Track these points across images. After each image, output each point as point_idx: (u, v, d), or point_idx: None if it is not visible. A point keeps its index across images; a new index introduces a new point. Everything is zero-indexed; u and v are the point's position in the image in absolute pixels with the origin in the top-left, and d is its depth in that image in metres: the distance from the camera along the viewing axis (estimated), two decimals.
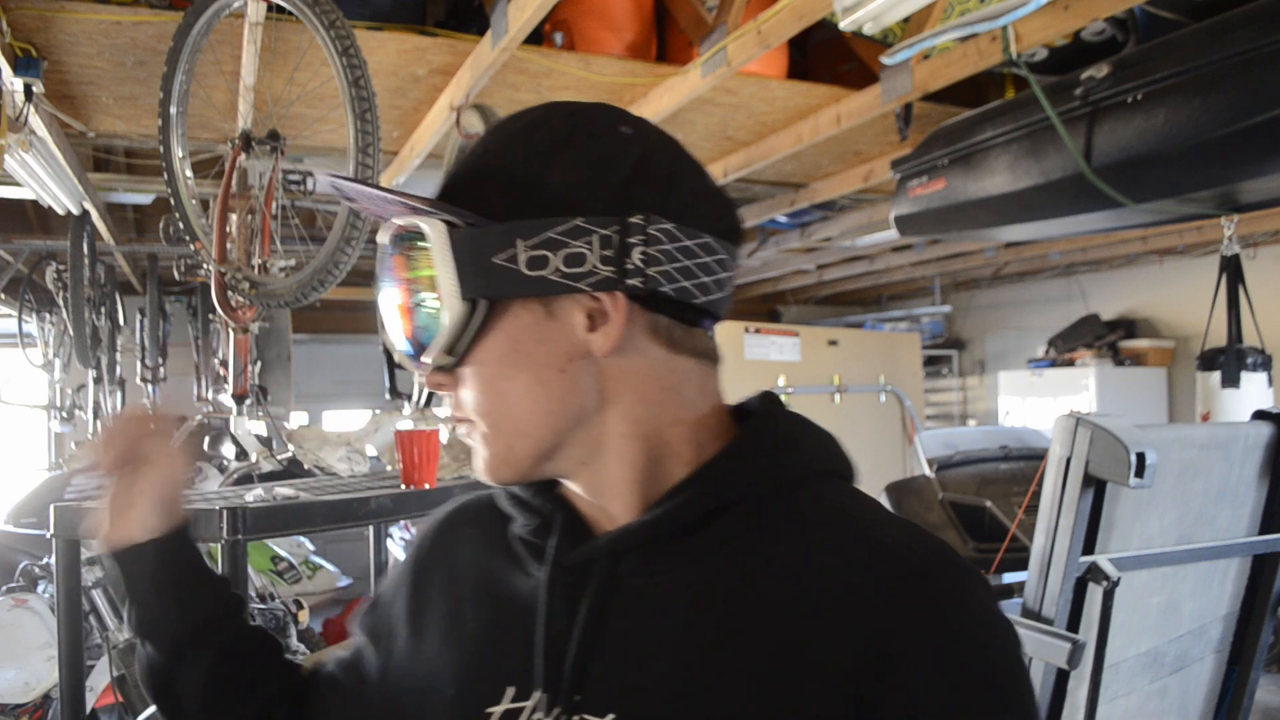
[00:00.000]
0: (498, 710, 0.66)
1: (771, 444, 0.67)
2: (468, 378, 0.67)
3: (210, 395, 5.04)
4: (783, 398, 0.73)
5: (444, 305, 0.64)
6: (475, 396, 0.67)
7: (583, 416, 0.66)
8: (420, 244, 0.65)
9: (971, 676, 0.58)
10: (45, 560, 3.08)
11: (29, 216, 4.86)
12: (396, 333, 0.69)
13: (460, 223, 0.64)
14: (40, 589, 3.01)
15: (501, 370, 0.65)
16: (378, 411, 2.48)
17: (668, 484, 0.67)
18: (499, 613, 0.71)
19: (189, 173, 2.65)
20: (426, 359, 0.66)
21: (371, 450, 2.19)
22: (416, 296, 0.66)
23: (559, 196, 0.63)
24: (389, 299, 0.69)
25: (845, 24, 2.17)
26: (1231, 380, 3.40)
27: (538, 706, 0.65)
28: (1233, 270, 3.41)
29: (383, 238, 0.68)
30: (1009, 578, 2.99)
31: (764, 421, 0.69)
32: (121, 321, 5.14)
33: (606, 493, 0.68)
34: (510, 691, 0.67)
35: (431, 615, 0.76)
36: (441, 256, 0.63)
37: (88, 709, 2.54)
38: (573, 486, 0.70)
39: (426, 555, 0.80)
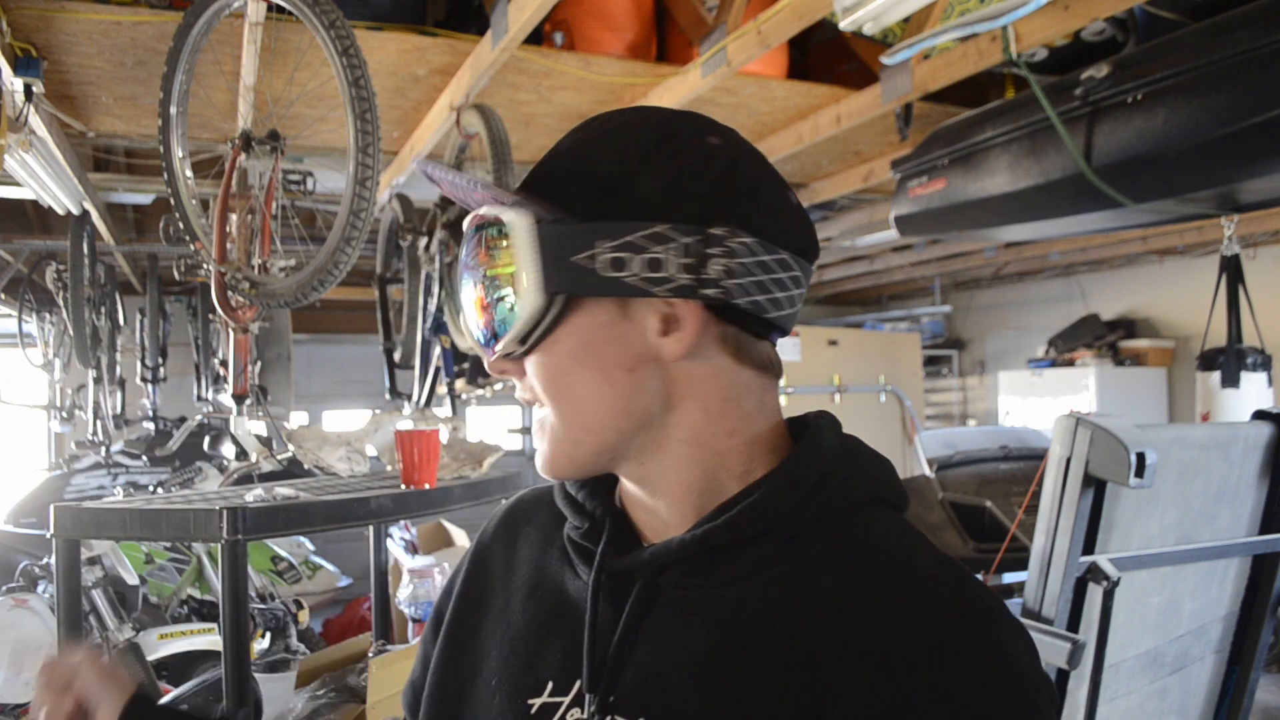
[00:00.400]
0: (538, 702, 0.69)
1: (819, 470, 0.67)
2: (534, 367, 0.68)
3: (210, 395, 5.04)
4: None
5: (522, 296, 0.65)
6: (542, 386, 0.68)
7: (646, 419, 0.67)
8: (503, 235, 0.66)
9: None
10: (45, 560, 3.08)
11: (29, 216, 4.86)
12: (473, 318, 0.70)
13: (546, 218, 0.65)
14: (40, 589, 3.01)
15: (569, 364, 0.66)
16: (378, 411, 2.47)
17: (719, 496, 0.68)
18: (546, 610, 0.74)
19: (189, 173, 2.65)
20: (498, 347, 0.68)
21: (371, 450, 2.19)
22: (495, 285, 0.68)
23: (644, 201, 0.64)
24: (468, 285, 0.70)
25: (845, 24, 2.17)
26: (1231, 380, 3.40)
27: (575, 702, 0.67)
28: (1233, 270, 3.41)
29: (467, 225, 0.70)
30: (1009, 578, 2.99)
31: (814, 446, 0.68)
32: (121, 321, 5.14)
33: (661, 495, 0.69)
34: (549, 686, 0.69)
35: (484, 609, 0.79)
36: (525, 249, 0.65)
37: None
38: (630, 485, 0.72)
39: (485, 551, 0.83)
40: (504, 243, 0.66)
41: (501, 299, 0.67)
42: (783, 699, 0.59)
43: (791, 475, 0.66)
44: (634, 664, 0.66)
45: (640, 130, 0.67)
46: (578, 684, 0.68)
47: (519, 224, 0.65)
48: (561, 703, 0.68)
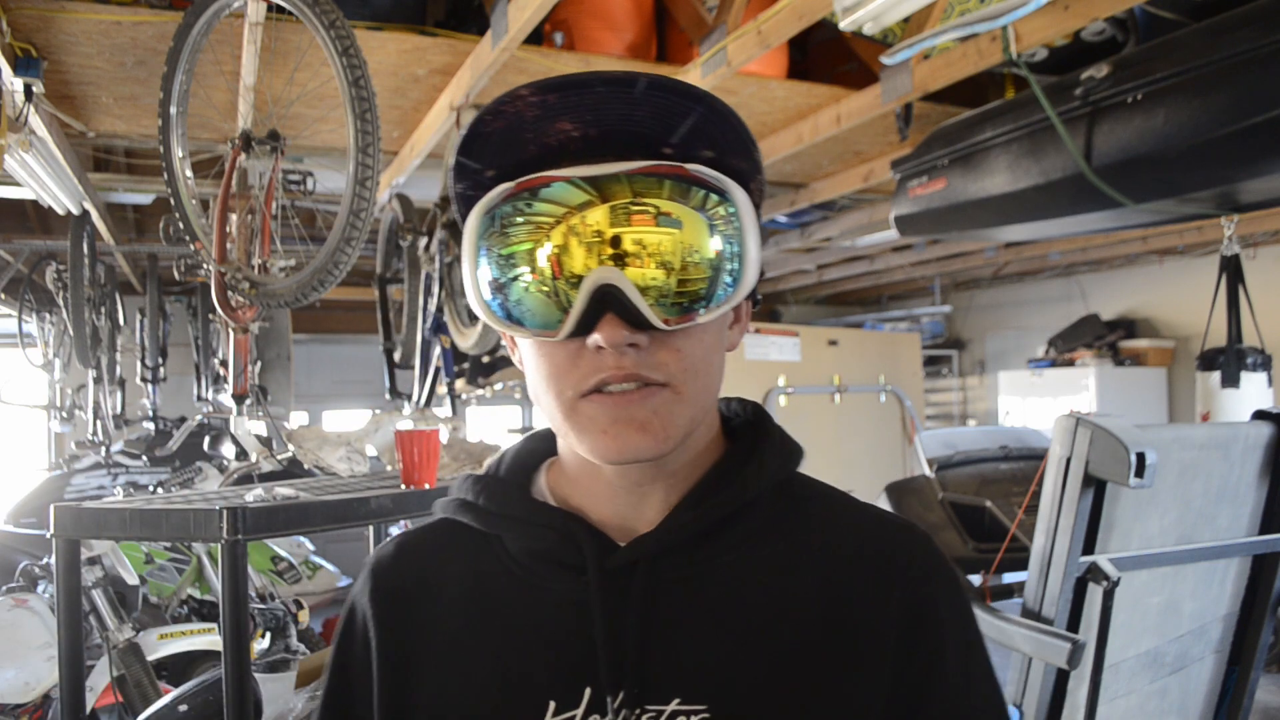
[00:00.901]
0: None
1: (771, 449, 0.75)
2: (689, 341, 0.66)
3: (210, 395, 5.04)
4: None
5: (747, 267, 0.67)
6: (691, 361, 0.67)
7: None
8: (722, 203, 0.67)
9: (965, 610, 0.73)
10: (45, 560, 3.08)
11: (29, 216, 4.87)
12: (657, 280, 0.65)
13: (753, 198, 0.70)
14: (40, 589, 3.01)
15: (714, 343, 0.70)
16: (378, 411, 2.47)
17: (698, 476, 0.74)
18: (513, 636, 0.70)
19: (189, 173, 2.65)
20: (705, 315, 0.66)
21: (371, 450, 2.19)
22: (699, 250, 0.66)
23: (757, 196, 0.72)
24: (659, 239, 0.65)
25: (845, 24, 2.17)
26: (1231, 380, 3.39)
27: (593, 709, 0.66)
28: (1233, 270, 3.40)
29: (646, 168, 0.65)
30: (1009, 578, 2.98)
31: (764, 428, 0.77)
32: (121, 321, 5.14)
33: (663, 479, 0.71)
34: (552, 705, 0.66)
35: (419, 670, 0.72)
36: (750, 224, 0.67)
37: (88, 709, 2.54)
38: (626, 476, 0.70)
39: (387, 618, 0.74)
40: (722, 211, 0.66)
41: (715, 266, 0.66)
42: (811, 637, 0.66)
43: (779, 448, 0.75)
44: (655, 652, 0.66)
45: (743, 123, 0.70)
46: (588, 692, 0.66)
47: (743, 201, 0.67)
48: (574, 716, 0.66)
